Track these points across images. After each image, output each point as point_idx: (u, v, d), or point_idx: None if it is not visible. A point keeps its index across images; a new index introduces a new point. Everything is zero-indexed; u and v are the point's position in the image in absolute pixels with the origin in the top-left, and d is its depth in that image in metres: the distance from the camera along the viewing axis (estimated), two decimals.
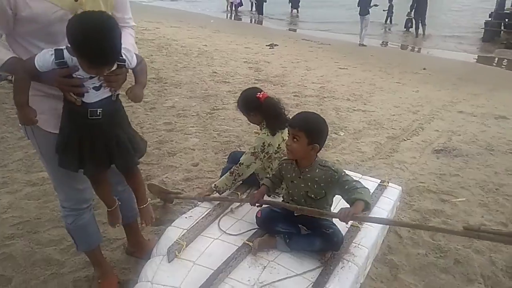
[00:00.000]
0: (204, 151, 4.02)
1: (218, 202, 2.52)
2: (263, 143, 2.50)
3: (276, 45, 11.26)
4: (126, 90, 1.70)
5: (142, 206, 2.03)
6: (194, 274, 1.97)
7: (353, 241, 2.25)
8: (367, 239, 2.29)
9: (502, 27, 16.22)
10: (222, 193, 2.58)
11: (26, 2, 1.49)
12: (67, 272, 2.36)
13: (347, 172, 2.90)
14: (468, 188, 3.49)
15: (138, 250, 2.49)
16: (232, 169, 2.55)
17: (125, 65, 1.65)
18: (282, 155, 2.57)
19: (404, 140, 4.66)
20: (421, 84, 7.94)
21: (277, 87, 6.67)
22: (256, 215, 2.27)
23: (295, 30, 17.45)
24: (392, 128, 5.02)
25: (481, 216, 3.04)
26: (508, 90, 7.94)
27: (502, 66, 12.13)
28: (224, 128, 4.68)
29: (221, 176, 2.65)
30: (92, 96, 1.60)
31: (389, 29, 18.20)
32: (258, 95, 2.55)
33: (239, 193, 2.64)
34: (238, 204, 2.59)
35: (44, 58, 1.51)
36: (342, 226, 2.22)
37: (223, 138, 4.36)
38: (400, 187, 2.94)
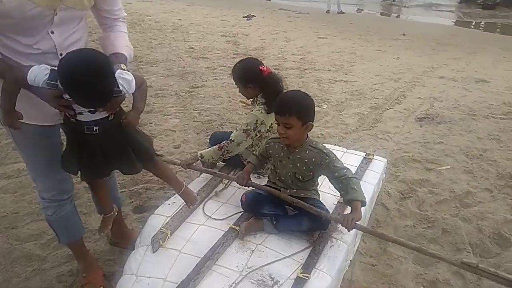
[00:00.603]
0: (185, 132, 3.91)
1: (202, 185, 2.44)
2: (257, 120, 2.40)
3: (253, 16, 10.99)
4: (122, 117, 1.64)
5: (180, 192, 2.01)
6: (180, 263, 1.92)
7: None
8: None
9: None
10: (206, 165, 2.50)
11: None
12: (49, 268, 2.28)
13: (331, 145, 2.87)
14: (452, 155, 3.49)
15: (122, 241, 2.42)
16: (222, 144, 2.45)
17: (121, 95, 1.56)
18: (272, 135, 2.49)
19: (387, 109, 4.63)
20: (401, 50, 7.89)
21: None
22: (241, 199, 2.21)
23: (270, 0, 17.07)
24: (375, 98, 4.98)
25: (467, 183, 3.05)
26: (487, 53, 7.97)
27: (480, 28, 12.16)
28: (204, 106, 4.56)
29: None
30: (87, 117, 1.57)
31: None
32: (261, 68, 2.41)
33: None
34: (223, 187, 2.52)
35: (37, 75, 1.44)
36: (329, 204, 2.18)
37: (204, 118, 4.25)
38: (385, 159, 2.91)
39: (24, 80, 1.44)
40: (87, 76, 1.36)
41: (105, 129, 1.62)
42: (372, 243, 2.44)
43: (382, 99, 4.96)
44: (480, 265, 1.63)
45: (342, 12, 12.76)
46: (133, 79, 1.57)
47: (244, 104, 3.43)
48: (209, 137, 3.08)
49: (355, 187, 1.95)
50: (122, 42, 1.78)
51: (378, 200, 2.79)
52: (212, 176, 2.58)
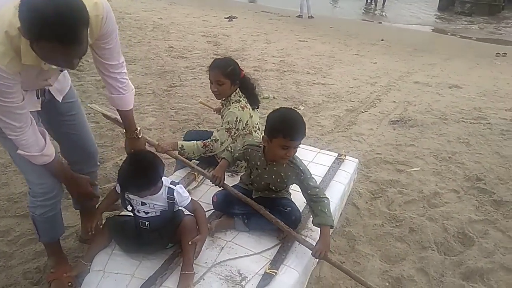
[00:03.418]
0: (161, 130, 3.90)
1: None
2: (236, 117, 2.43)
3: (235, 17, 11.02)
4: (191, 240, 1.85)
5: (184, 272, 1.79)
6: (148, 260, 1.92)
7: (311, 217, 2.24)
8: None
9: None
10: (184, 157, 2.48)
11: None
12: (16, 264, 2.24)
13: (306, 146, 2.91)
14: (422, 157, 3.58)
15: (92, 238, 2.38)
16: (207, 142, 2.43)
17: (174, 202, 1.91)
18: (247, 132, 2.52)
19: (362, 112, 4.71)
20: (379, 55, 8.04)
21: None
22: (212, 199, 2.22)
23: (254, 2, 17.15)
24: (351, 101, 5.07)
25: (435, 184, 3.13)
26: (462, 59, 8.20)
27: (456, 35, 12.49)
28: (182, 106, 4.55)
29: None
30: (142, 215, 1.91)
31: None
32: (241, 69, 2.53)
33: (196, 174, 2.57)
34: (196, 185, 2.53)
35: None
36: (300, 203, 2.22)
37: (181, 117, 4.24)
38: (357, 160, 2.97)
39: None
40: (132, 169, 1.78)
41: (157, 227, 1.92)
42: (341, 241, 2.48)
43: (358, 102, 5.05)
44: None
45: (312, 17, 12.95)
46: (189, 197, 1.95)
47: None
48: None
49: (325, 210, 1.99)
50: (131, 98, 2.03)
51: (349, 200, 2.85)
52: (185, 174, 2.59)
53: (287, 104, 4.73)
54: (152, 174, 1.81)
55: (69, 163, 2.18)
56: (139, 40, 7.42)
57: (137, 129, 2.14)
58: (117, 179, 1.88)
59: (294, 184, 2.26)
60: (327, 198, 2.06)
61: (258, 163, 2.11)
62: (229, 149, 2.33)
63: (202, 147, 2.44)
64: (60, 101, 1.90)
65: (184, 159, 2.44)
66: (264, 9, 14.03)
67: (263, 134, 2.02)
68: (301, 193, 2.23)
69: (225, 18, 10.89)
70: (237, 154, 2.24)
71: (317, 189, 2.04)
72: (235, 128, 2.44)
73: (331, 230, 2.10)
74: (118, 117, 2.35)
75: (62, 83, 1.91)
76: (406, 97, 5.33)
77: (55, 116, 1.95)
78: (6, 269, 2.20)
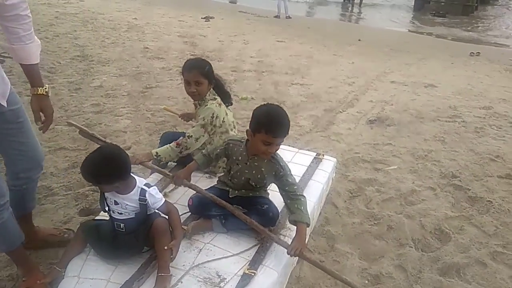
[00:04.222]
0: (137, 133, 3.82)
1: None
2: (213, 113, 2.42)
3: (212, 17, 10.97)
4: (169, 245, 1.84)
5: (160, 274, 1.78)
6: (125, 264, 1.88)
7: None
8: None
9: None
10: (162, 163, 2.46)
11: None
12: None
13: (285, 146, 2.90)
14: (399, 156, 3.63)
15: (30, 240, 2.27)
16: (179, 141, 2.41)
17: (145, 203, 1.88)
18: (224, 130, 2.50)
19: (340, 112, 4.75)
20: (356, 55, 8.13)
21: (214, 63, 6.41)
22: (188, 203, 2.19)
23: (235, 3, 17.12)
24: (329, 101, 5.09)
25: (412, 182, 3.17)
26: (437, 59, 8.38)
27: (432, 35, 12.76)
28: (158, 107, 4.46)
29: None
30: (117, 216, 1.89)
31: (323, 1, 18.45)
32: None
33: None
34: (172, 188, 2.49)
35: None
36: (279, 202, 2.20)
37: (157, 119, 4.17)
38: (335, 159, 2.99)
39: None
40: (96, 160, 1.75)
41: (132, 229, 1.89)
42: (320, 240, 2.48)
43: (336, 102, 5.08)
44: None
45: (289, 17, 13.08)
46: (162, 199, 1.93)
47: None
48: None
49: (301, 208, 1.99)
50: (36, 50, 1.83)
51: (328, 199, 2.85)
52: (162, 176, 2.54)
53: None
54: (119, 162, 1.78)
55: (15, 172, 2.05)
56: (113, 41, 7.27)
57: (45, 86, 1.93)
58: (80, 168, 1.81)
59: (273, 185, 2.26)
60: (304, 196, 2.07)
61: (240, 158, 2.11)
62: (204, 152, 2.30)
63: (176, 147, 2.41)
64: (6, 106, 1.79)
65: (160, 169, 2.42)
66: (242, 9, 14.02)
67: (248, 128, 2.01)
68: (279, 193, 2.23)
69: (201, 18, 10.82)
70: (218, 151, 2.22)
71: (295, 187, 2.05)
72: (211, 124, 2.43)
73: (308, 229, 2.09)
74: (95, 133, 2.31)
75: (2, 85, 1.79)
76: (383, 96, 5.39)
77: (1, 125, 1.84)
78: None
